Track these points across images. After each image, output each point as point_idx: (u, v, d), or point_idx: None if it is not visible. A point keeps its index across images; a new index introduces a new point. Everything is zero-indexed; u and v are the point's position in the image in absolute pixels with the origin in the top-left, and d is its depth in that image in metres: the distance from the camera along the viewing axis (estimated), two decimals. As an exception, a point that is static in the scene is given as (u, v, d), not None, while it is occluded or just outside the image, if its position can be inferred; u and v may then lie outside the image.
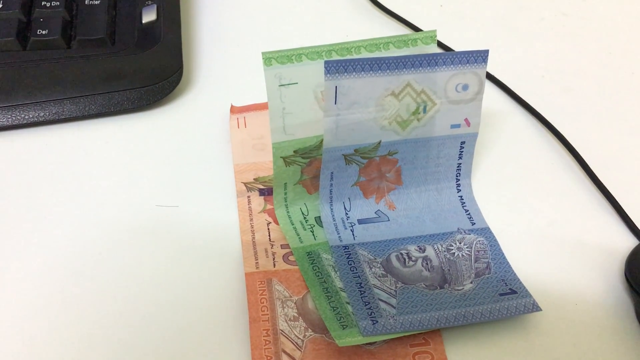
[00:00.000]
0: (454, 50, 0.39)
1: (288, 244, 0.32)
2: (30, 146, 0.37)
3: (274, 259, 0.31)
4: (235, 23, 0.45)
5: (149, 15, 0.41)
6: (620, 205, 0.34)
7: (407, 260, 0.31)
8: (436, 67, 0.31)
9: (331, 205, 0.33)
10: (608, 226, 0.34)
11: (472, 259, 0.31)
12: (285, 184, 0.33)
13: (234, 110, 0.38)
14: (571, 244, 0.33)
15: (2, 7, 0.39)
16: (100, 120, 0.38)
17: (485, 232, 0.33)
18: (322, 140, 0.32)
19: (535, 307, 0.29)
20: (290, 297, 0.30)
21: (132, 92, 0.38)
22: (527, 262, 0.32)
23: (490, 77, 0.41)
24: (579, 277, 0.32)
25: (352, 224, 0.33)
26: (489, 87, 0.41)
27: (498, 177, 0.36)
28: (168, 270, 0.31)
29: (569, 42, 0.44)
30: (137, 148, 0.37)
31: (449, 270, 0.31)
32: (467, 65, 0.31)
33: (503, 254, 0.32)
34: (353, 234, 0.32)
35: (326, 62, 0.29)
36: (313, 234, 0.32)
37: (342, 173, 0.32)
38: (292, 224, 0.33)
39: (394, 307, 0.29)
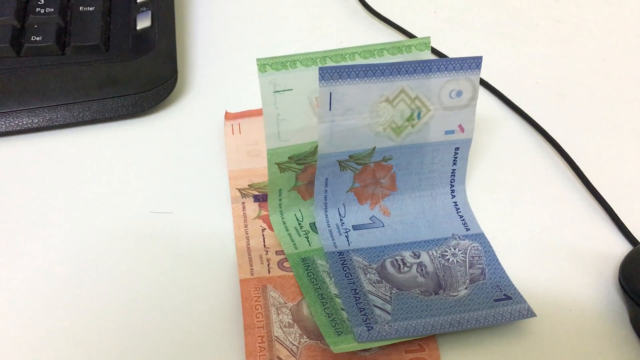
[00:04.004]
0: (447, 57, 0.40)
1: (283, 250, 0.32)
2: (24, 153, 0.37)
3: (268, 265, 0.31)
4: (230, 29, 0.45)
5: (143, 22, 0.41)
6: (613, 211, 0.34)
7: (401, 266, 0.31)
8: (430, 73, 0.31)
9: (326, 211, 0.33)
10: (602, 232, 0.34)
11: (467, 264, 0.31)
12: (280, 190, 0.33)
13: (228, 116, 0.38)
14: (565, 250, 0.33)
15: (-4, 13, 0.39)
16: (95, 127, 0.38)
17: (480, 237, 0.33)
18: (316, 147, 0.32)
19: (529, 313, 0.29)
20: (285, 303, 0.30)
21: (127, 98, 0.38)
22: (521, 267, 0.32)
23: (484, 83, 0.41)
24: (573, 283, 0.32)
25: (347, 230, 0.33)
26: (483, 94, 0.41)
27: (492, 183, 0.36)
28: (162, 276, 0.31)
29: (563, 49, 0.44)
30: (131, 154, 0.37)
31: (443, 276, 0.31)
32: (461, 71, 0.31)
33: (497, 259, 0.32)
34: (348, 240, 0.32)
35: (321, 69, 0.29)
36: (308, 240, 0.32)
37: (337, 179, 0.32)
38: (287, 230, 0.33)
39: (389, 313, 0.29)
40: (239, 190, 0.35)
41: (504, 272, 0.31)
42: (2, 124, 0.37)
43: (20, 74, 0.38)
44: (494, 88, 0.41)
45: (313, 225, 0.33)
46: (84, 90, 0.37)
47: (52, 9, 0.40)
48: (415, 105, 0.31)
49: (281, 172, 0.32)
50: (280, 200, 0.33)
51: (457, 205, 0.34)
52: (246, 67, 0.42)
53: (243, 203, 0.34)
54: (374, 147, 0.32)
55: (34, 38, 0.39)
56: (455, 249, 0.32)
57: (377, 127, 0.31)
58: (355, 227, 0.33)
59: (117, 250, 0.32)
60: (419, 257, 0.32)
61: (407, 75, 0.31)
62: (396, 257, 0.32)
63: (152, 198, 0.35)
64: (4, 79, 0.37)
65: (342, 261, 0.31)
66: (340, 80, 0.30)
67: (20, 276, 0.31)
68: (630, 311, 0.30)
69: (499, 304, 0.29)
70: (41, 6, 0.40)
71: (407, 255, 0.32)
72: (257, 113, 0.38)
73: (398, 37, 0.45)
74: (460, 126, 0.33)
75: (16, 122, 0.37)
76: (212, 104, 0.40)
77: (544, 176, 0.36)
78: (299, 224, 0.33)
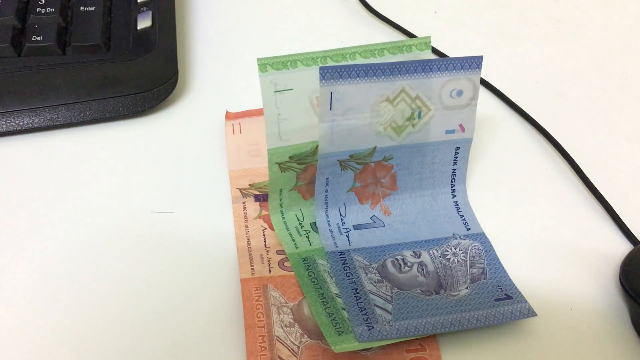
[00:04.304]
0: (448, 56, 0.40)
1: (284, 250, 0.32)
2: (25, 153, 0.37)
3: (269, 265, 0.31)
4: (231, 29, 0.45)
5: (144, 22, 0.41)
6: (614, 210, 0.34)
7: (402, 265, 0.31)
8: (431, 73, 0.31)
9: (326, 211, 0.33)
10: (602, 231, 0.34)
11: (468, 264, 0.31)
12: (281, 189, 0.33)
13: (229, 116, 0.38)
14: (566, 249, 0.33)
15: (-4, 13, 0.39)
16: (95, 127, 0.38)
17: (481, 237, 0.33)
18: (317, 146, 0.32)
19: (530, 313, 0.29)
20: (286, 303, 0.30)
21: (127, 98, 0.38)
22: (522, 267, 0.32)
23: (484, 83, 0.41)
24: (573, 282, 0.32)
25: (348, 230, 0.33)
26: (483, 93, 0.41)
27: (493, 182, 0.36)
28: (163, 276, 0.31)
29: (563, 48, 0.45)
30: (132, 154, 0.37)
31: (444, 275, 0.31)
32: (462, 71, 0.31)
33: (498, 259, 0.32)
34: (348, 240, 0.32)
35: (321, 68, 0.29)
36: (308, 240, 0.32)
37: (338, 179, 0.32)
38: (288, 230, 0.33)
39: (390, 313, 0.29)
40: (240, 190, 0.35)
41: (505, 271, 0.31)
42: (3, 124, 0.37)
43: (21, 73, 0.38)
44: (495, 88, 0.41)
45: (314, 225, 0.33)
46: (85, 90, 0.37)
47: (53, 9, 0.40)
48: (416, 104, 0.32)
49: (282, 172, 0.32)
50: (281, 200, 0.33)
51: (457, 204, 0.34)
52: (247, 67, 0.42)
53: (244, 203, 0.34)
54: (375, 147, 0.32)
55: (34, 38, 0.39)
56: (456, 249, 0.32)
57: (378, 127, 0.31)
58: (355, 227, 0.33)
59: (117, 250, 0.32)
60: (419, 256, 0.32)
61: (407, 75, 0.31)
62: (397, 257, 0.32)
63: (152, 198, 0.35)
64: (5, 79, 0.37)
65: (343, 261, 0.31)
66: (340, 79, 0.30)
67: (20, 276, 0.31)
68: (630, 311, 0.30)
69: (500, 303, 0.29)
70: (42, 6, 0.40)
71: (408, 254, 0.32)
72: (258, 113, 0.38)
73: (398, 36, 0.45)
74: (460, 126, 0.33)
75: (17, 121, 0.37)
76: (212, 104, 0.40)
77: (544, 176, 0.36)
78: (300, 223, 0.33)
